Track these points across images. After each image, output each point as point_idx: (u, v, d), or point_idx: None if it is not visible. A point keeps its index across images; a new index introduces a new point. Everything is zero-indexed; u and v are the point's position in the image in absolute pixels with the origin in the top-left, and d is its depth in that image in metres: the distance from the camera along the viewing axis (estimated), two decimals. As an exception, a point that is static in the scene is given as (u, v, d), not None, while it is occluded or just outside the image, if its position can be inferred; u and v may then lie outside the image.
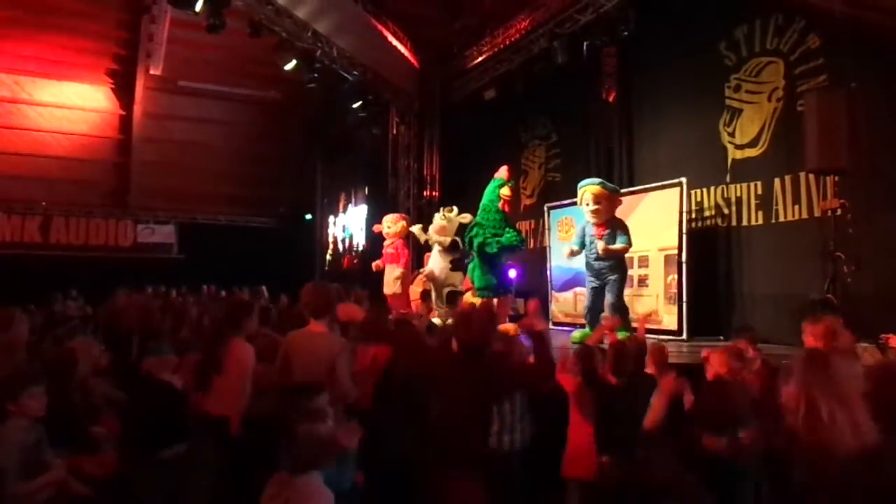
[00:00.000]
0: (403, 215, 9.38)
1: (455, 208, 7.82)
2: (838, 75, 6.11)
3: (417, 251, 9.49)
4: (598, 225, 6.43)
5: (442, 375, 2.92)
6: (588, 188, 6.49)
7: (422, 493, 2.70)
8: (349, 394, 3.31)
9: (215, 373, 3.56)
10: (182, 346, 4.44)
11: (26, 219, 15.45)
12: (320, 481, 2.23)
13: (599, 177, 7.23)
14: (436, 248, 7.79)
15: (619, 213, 6.74)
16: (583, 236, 6.64)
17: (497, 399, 2.96)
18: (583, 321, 6.96)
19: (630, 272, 7.20)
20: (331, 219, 17.37)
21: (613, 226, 6.42)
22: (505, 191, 6.86)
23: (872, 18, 5.61)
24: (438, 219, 7.79)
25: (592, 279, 6.56)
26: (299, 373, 3.34)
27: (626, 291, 6.81)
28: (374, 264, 8.43)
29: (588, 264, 6.60)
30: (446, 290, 7.61)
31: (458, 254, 7.61)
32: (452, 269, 7.68)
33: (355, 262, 15.42)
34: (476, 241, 6.92)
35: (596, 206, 6.38)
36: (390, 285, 8.38)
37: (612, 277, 6.37)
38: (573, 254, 6.75)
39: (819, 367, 2.30)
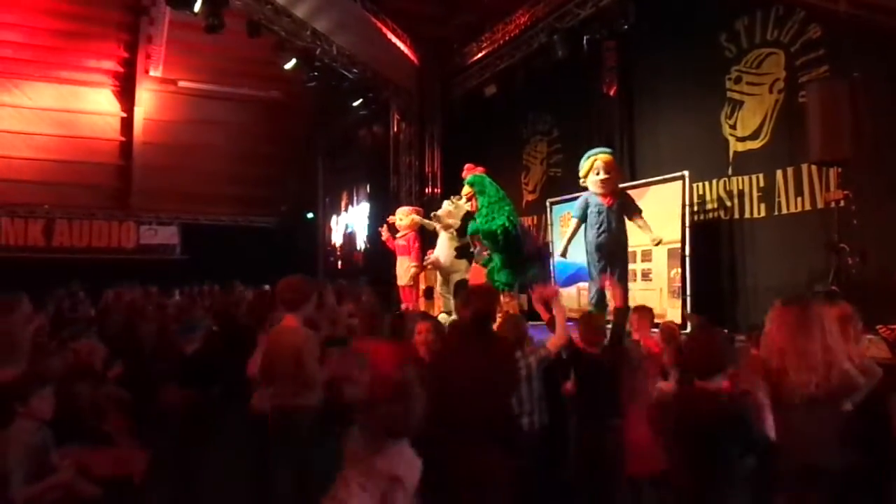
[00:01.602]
0: (416, 208, 9.41)
1: (464, 196, 7.90)
2: (840, 66, 6.07)
3: (430, 243, 9.49)
4: (604, 195, 6.25)
5: (456, 355, 3.04)
6: (599, 156, 6.26)
7: (447, 464, 2.71)
8: (315, 380, 3.52)
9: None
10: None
11: (29, 222, 15.45)
12: (407, 447, 2.11)
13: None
14: (442, 235, 7.83)
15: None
16: (584, 208, 6.31)
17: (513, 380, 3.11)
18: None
19: (633, 266, 7.18)
20: (333, 218, 17.36)
21: (622, 197, 6.30)
22: (463, 190, 6.94)
23: (878, 20, 5.56)
24: (447, 205, 8.01)
25: (597, 259, 6.28)
26: (276, 366, 3.53)
27: (630, 286, 6.77)
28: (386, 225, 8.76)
29: (591, 243, 6.28)
30: (452, 277, 7.61)
31: (463, 240, 7.69)
32: (457, 257, 7.73)
33: (360, 259, 15.44)
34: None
35: (606, 176, 6.21)
36: (402, 277, 8.48)
37: (617, 260, 6.25)
38: (564, 254, 6.70)
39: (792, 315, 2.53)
